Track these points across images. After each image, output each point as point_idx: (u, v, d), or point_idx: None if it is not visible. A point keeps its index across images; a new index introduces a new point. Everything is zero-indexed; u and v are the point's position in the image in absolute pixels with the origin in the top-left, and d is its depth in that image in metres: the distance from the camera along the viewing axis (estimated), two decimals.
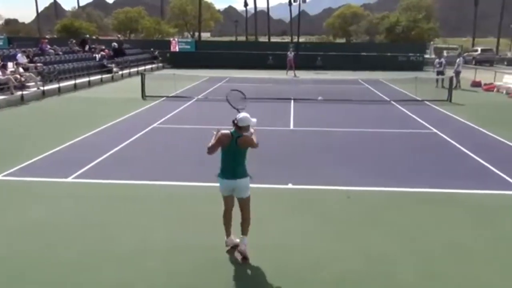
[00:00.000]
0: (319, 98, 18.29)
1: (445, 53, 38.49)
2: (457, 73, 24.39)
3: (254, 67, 36.83)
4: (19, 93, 18.53)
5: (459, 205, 7.52)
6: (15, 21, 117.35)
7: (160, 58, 38.63)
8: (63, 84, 21.91)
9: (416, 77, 21.84)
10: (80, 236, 6.18)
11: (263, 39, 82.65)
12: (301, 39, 71.93)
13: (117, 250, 5.77)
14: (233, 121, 5.50)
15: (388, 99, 20.22)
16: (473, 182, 8.69)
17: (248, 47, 44.50)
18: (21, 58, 21.75)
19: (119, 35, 50.37)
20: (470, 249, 5.92)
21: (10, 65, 20.86)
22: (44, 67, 22.40)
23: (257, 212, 7.01)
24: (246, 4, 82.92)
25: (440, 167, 9.81)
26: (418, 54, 39.85)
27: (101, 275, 5.21)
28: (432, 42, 55.64)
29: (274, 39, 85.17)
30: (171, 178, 8.68)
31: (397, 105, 18.42)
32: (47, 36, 48.34)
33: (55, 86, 21.26)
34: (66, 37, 43.19)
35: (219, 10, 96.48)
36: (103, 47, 31.64)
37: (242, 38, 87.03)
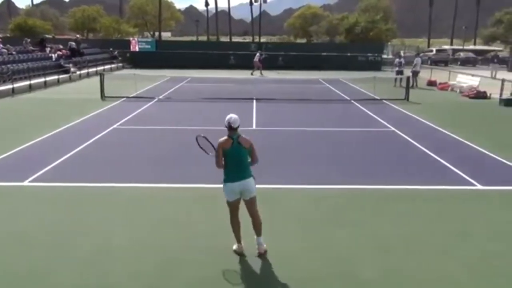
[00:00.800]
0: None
1: (402, 53, 39.61)
2: (415, 73, 25.15)
3: (216, 67, 36.75)
4: None
5: (417, 201, 7.76)
6: None
7: (119, 58, 37.90)
8: (17, 84, 21.14)
9: (375, 77, 22.38)
10: (37, 242, 5.97)
11: (224, 39, 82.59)
12: (263, 39, 72.39)
13: (75, 255, 5.62)
14: (227, 126, 5.57)
15: (348, 98, 20.61)
16: (430, 178, 9.00)
17: (210, 47, 44.32)
18: None
19: (77, 35, 49.03)
20: (429, 244, 6.11)
21: None
22: None
23: (219, 213, 7.03)
24: (207, 4, 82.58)
25: (398, 164, 10.10)
26: (376, 54, 40.83)
27: (58, 280, 5.07)
28: (389, 43, 57.10)
29: (235, 39, 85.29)
30: (132, 180, 8.54)
31: (357, 104, 18.81)
32: None
33: (8, 86, 20.48)
34: (20, 36, 41.67)
35: (179, 10, 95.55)
36: (61, 47, 30.73)
37: (203, 38, 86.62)
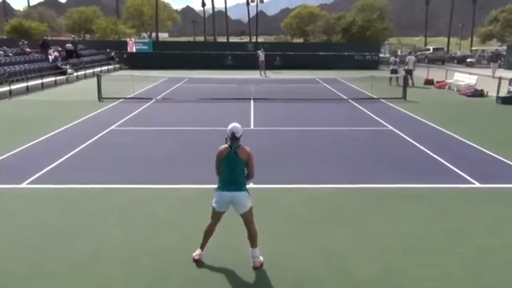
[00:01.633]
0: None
1: (399, 52, 39.71)
2: (409, 71, 25.20)
3: (213, 67, 36.72)
4: None
5: (415, 199, 7.76)
6: None
7: (116, 59, 37.86)
8: (14, 86, 21.10)
9: (372, 76, 22.42)
10: (34, 244, 5.95)
11: (221, 39, 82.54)
12: (260, 39, 72.36)
13: (72, 258, 5.59)
14: (230, 136, 5.34)
15: (345, 97, 20.63)
16: (428, 177, 9.01)
17: (207, 48, 44.33)
18: None
19: (73, 36, 48.92)
20: (427, 242, 6.11)
21: None
22: None
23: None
24: (204, 4, 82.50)
25: (397, 163, 10.11)
26: (373, 53, 40.94)
27: (55, 282, 5.05)
28: (386, 42, 57.22)
29: (232, 39, 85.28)
30: (130, 181, 8.53)
31: (355, 103, 18.83)
32: None
33: (5, 89, 20.44)
34: (16, 38, 41.57)
35: (176, 10, 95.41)
36: (60, 49, 30.61)
37: (200, 38, 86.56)
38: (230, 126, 5.35)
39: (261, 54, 32.90)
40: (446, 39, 76.78)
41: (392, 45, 55.75)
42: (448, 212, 7.19)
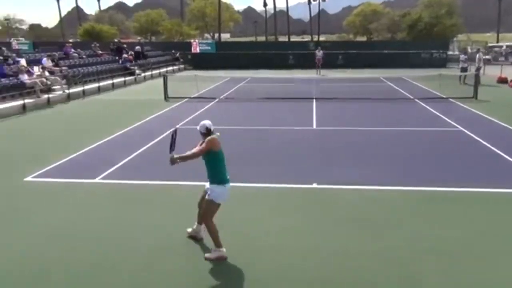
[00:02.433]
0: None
1: (469, 49, 37.80)
2: (478, 69, 23.90)
3: (275, 67, 36.79)
4: (45, 96, 18.93)
5: (485, 203, 7.38)
6: (38, 26, 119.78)
7: (181, 60, 38.92)
8: (87, 87, 22.30)
9: (440, 74, 21.51)
10: (105, 237, 6.25)
11: (282, 38, 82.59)
12: (321, 38, 71.59)
13: (139, 252, 5.81)
14: (205, 132, 5.79)
15: (411, 96, 19.95)
16: (500, 180, 8.51)
17: (268, 47, 44.54)
18: (46, 62, 22.20)
19: (139, 38, 50.94)
20: (494, 248, 5.79)
21: (36, 69, 21.33)
22: (69, 70, 22.82)
23: (282, 212, 7.04)
24: (265, 4, 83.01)
25: (466, 165, 9.64)
26: (441, 51, 39.25)
27: (121, 275, 5.27)
28: (455, 39, 54.68)
29: (293, 38, 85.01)
30: (196, 178, 8.71)
31: (421, 103, 18.17)
32: (70, 40, 49.24)
33: (79, 89, 21.64)
34: (89, 41, 43.89)
35: (238, 11, 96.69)
36: (132, 53, 31.87)
37: (261, 38, 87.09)
38: (204, 122, 5.79)
39: (318, 53, 32.62)
40: None
41: (461, 42, 53.15)
42: None
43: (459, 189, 7.99)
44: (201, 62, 38.87)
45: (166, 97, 19.86)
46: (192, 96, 20.58)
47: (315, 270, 5.31)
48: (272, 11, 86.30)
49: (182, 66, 38.12)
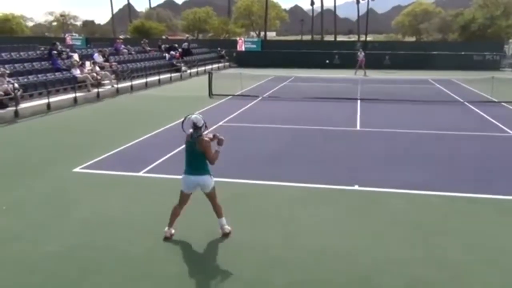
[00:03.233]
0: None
1: None
2: None
3: (320, 67, 36.46)
4: (95, 90, 19.60)
5: None
6: (91, 22, 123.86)
7: (226, 58, 39.28)
8: (135, 82, 22.90)
9: (493, 77, 20.63)
10: (149, 230, 6.39)
11: (328, 38, 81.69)
12: (369, 38, 70.28)
13: (183, 245, 5.94)
14: (193, 125, 5.89)
15: (461, 100, 19.27)
16: None
17: (314, 47, 44.20)
18: (98, 58, 22.97)
19: (187, 35, 51.78)
20: None
21: (87, 64, 22.12)
22: (118, 66, 23.53)
23: (322, 213, 6.98)
24: (312, 3, 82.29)
25: None
26: (495, 53, 37.66)
27: (167, 268, 5.38)
28: (510, 40, 52.31)
29: (340, 38, 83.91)
30: (239, 176, 8.79)
31: (471, 107, 17.51)
32: (121, 37, 50.70)
33: (128, 84, 22.27)
34: (138, 37, 45.02)
35: (285, 9, 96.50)
36: (180, 50, 32.46)
37: (307, 37, 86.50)
38: (192, 116, 5.92)
39: (360, 55, 32.15)
40: None
41: None
42: None
43: (508, 197, 7.65)
44: (246, 60, 39.06)
45: (211, 94, 20.11)
46: (236, 93, 20.73)
47: (357, 274, 5.23)
48: (319, 10, 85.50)
49: (227, 63, 38.47)
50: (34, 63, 19.40)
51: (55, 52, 20.72)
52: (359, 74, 31.36)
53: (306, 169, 9.32)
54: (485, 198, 7.66)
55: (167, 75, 26.79)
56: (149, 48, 31.09)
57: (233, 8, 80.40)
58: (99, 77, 20.53)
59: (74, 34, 62.93)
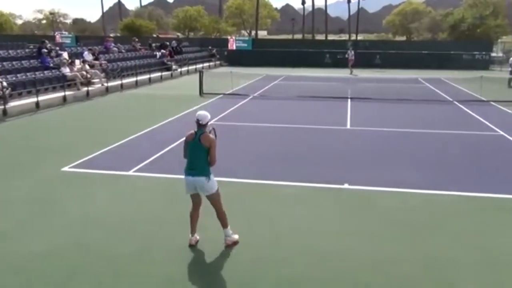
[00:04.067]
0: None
1: None
2: None
3: (311, 66, 36.53)
4: (85, 89, 19.46)
5: None
6: (82, 20, 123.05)
7: (217, 56, 39.20)
8: (125, 81, 22.78)
9: (482, 76, 20.81)
10: (139, 230, 6.36)
11: (320, 37, 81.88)
12: (359, 37, 70.56)
13: (172, 245, 5.90)
14: (196, 121, 5.62)
15: (450, 99, 19.41)
16: None
17: (305, 46, 44.28)
18: (87, 56, 22.81)
19: (178, 34, 51.63)
20: None
21: (77, 62, 21.96)
22: (108, 64, 23.38)
23: (310, 213, 6.99)
24: (303, 2, 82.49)
25: (507, 171, 9.30)
26: (484, 53, 38.00)
27: (156, 268, 5.35)
28: (499, 40, 52.74)
29: (331, 37, 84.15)
30: (229, 175, 8.76)
31: (460, 105, 17.65)
32: (111, 35, 50.42)
33: (118, 82, 22.14)
34: (128, 36, 44.78)
35: (276, 8, 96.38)
36: (171, 49, 32.31)
37: (298, 36, 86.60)
38: (197, 113, 5.62)
39: (349, 53, 32.28)
40: None
41: (505, 44, 51.19)
42: None
43: (497, 196, 7.72)
44: (237, 59, 39.06)
45: (201, 93, 20.06)
46: (227, 92, 20.69)
47: (345, 273, 5.25)
48: (310, 9, 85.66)
49: (218, 62, 38.41)
50: (23, 61, 19.24)
51: (44, 50, 20.53)
52: (347, 72, 31.48)
53: (297, 168, 9.33)
54: (474, 197, 7.72)
55: (158, 74, 26.68)
56: (139, 47, 30.94)
57: (224, 7, 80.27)
58: (88, 76, 20.39)
59: (64, 32, 62.38)
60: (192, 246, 5.78)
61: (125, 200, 7.52)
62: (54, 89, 18.39)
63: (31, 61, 19.68)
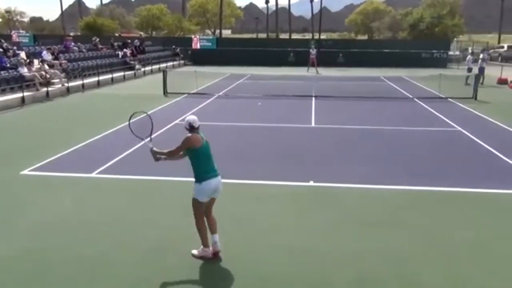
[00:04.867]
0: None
1: (470, 49, 37.76)
2: (481, 69, 23.87)
3: (275, 64, 36.72)
4: (45, 89, 18.89)
5: (484, 205, 7.38)
6: (39, 19, 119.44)
7: (181, 55, 38.84)
8: (87, 80, 22.25)
9: (440, 74, 21.49)
10: (102, 231, 6.25)
11: (284, 36, 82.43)
12: (323, 36, 71.41)
13: (139, 248, 5.82)
14: (189, 126, 5.51)
15: (411, 96, 19.95)
16: (499, 182, 8.52)
17: (269, 44, 44.46)
18: (46, 55, 22.16)
19: (141, 33, 50.83)
20: (496, 251, 5.80)
21: (35, 62, 21.29)
22: (69, 64, 22.79)
23: (277, 210, 7.04)
24: (267, 1, 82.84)
25: (464, 166, 9.65)
26: (442, 51, 39.20)
27: (122, 270, 5.27)
28: (456, 39, 54.53)
29: (295, 36, 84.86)
30: (190, 175, 8.69)
31: (420, 103, 18.16)
32: (71, 34, 49.05)
33: (79, 82, 21.60)
34: (89, 35, 43.75)
35: (240, 7, 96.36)
36: (134, 48, 31.79)
37: (263, 35, 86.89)
38: (188, 117, 5.53)
39: (312, 52, 32.65)
40: None
41: (462, 43, 52.92)
42: None
43: (456, 189, 8.00)
44: (201, 58, 38.81)
45: (166, 92, 19.84)
46: (192, 92, 20.54)
47: (311, 269, 5.32)
48: (274, 8, 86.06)
49: (182, 61, 38.06)
50: None
51: (0, 49, 19.80)
52: (311, 71, 31.83)
53: (261, 166, 9.37)
54: (433, 191, 7.97)
55: (121, 73, 26.19)
56: (101, 46, 30.29)
57: (188, 6, 79.58)
58: (48, 76, 19.80)
59: (21, 31, 60.30)
60: (212, 260, 5.50)
61: (89, 202, 7.36)
62: (11, 90, 17.78)
63: None
